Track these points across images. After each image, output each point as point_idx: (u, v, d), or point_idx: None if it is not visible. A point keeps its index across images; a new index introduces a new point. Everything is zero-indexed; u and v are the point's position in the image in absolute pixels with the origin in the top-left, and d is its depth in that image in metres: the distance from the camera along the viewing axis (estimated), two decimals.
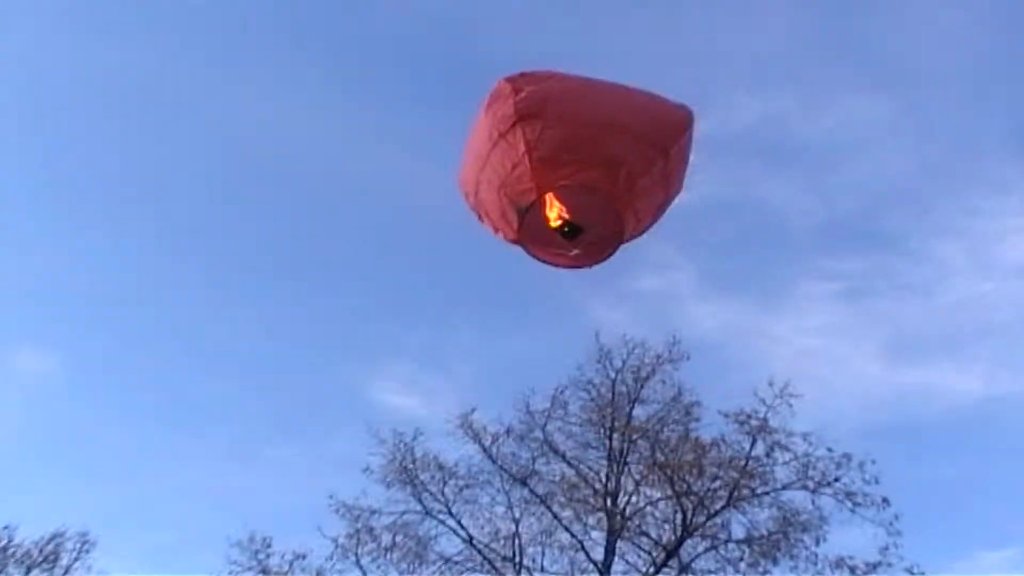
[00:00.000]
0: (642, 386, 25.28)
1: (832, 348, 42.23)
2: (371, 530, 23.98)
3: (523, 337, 43.73)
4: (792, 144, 42.91)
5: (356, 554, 23.66)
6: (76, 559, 28.62)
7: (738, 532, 23.71)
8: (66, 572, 28.37)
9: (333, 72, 43.90)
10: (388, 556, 23.76)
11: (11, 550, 28.08)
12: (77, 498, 40.73)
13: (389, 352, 45.15)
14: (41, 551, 28.29)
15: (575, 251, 6.31)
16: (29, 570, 28.08)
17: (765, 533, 23.54)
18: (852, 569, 22.64)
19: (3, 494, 38.05)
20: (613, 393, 25.29)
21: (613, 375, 25.38)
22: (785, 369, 39.35)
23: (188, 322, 46.35)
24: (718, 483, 23.23)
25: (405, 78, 44.10)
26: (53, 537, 28.56)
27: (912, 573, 22.21)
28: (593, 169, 5.99)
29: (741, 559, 23.59)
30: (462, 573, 24.25)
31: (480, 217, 6.67)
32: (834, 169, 42.70)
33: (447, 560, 24.33)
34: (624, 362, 25.41)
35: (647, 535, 24.17)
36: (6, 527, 28.39)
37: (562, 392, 25.34)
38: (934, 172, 41.33)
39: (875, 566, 22.48)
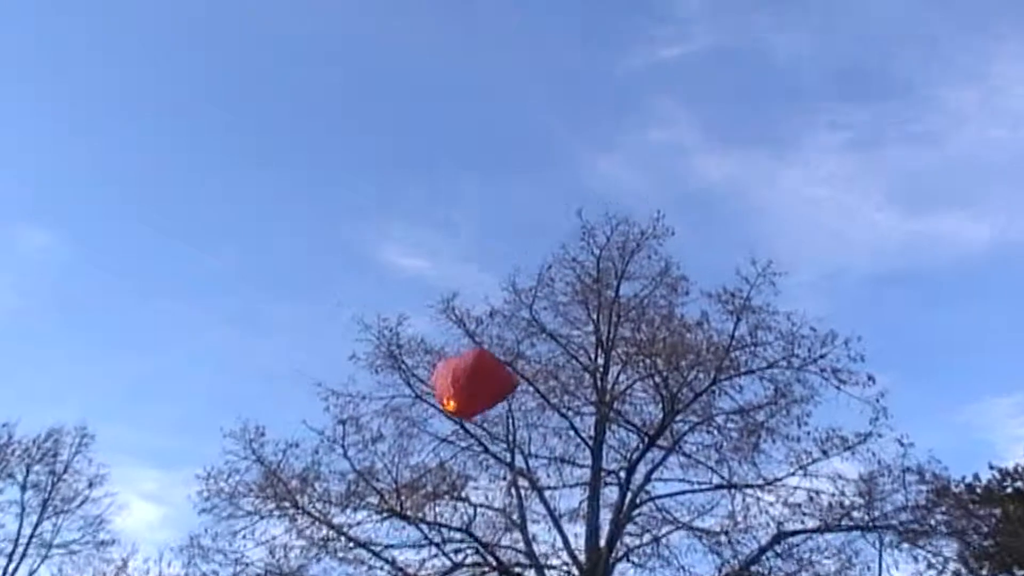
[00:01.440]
0: (627, 262, 25.15)
1: (841, 197, 42.01)
2: (357, 420, 24.20)
3: (527, 191, 43.60)
4: None
5: (343, 445, 23.86)
6: (76, 453, 29.43)
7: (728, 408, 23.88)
8: (66, 467, 29.21)
9: None
10: (373, 447, 24.03)
11: (11, 447, 28.85)
12: (82, 378, 41.75)
13: (393, 211, 45.09)
14: (39, 447, 29.01)
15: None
16: (29, 467, 28.89)
17: (757, 404, 23.64)
18: (843, 440, 22.72)
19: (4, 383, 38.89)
20: (598, 270, 25.16)
21: (597, 252, 25.24)
22: (793, 219, 39.24)
23: (187, 192, 46.51)
24: (703, 363, 23.12)
25: None
26: (51, 434, 29.31)
27: (902, 443, 22.33)
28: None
29: (732, 431, 23.80)
30: (455, 453, 24.63)
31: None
32: (842, 14, 41.42)
33: (442, 440, 24.63)
34: (608, 238, 25.19)
35: (635, 414, 24.38)
36: (4, 424, 29.16)
37: (548, 269, 25.30)
38: (945, 16, 39.89)
39: (866, 436, 22.53)
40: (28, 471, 28.89)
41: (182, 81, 46.56)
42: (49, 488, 28.93)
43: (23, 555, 28.44)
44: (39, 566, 28.87)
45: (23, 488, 28.86)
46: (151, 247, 47.27)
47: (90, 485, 29.30)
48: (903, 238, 40.98)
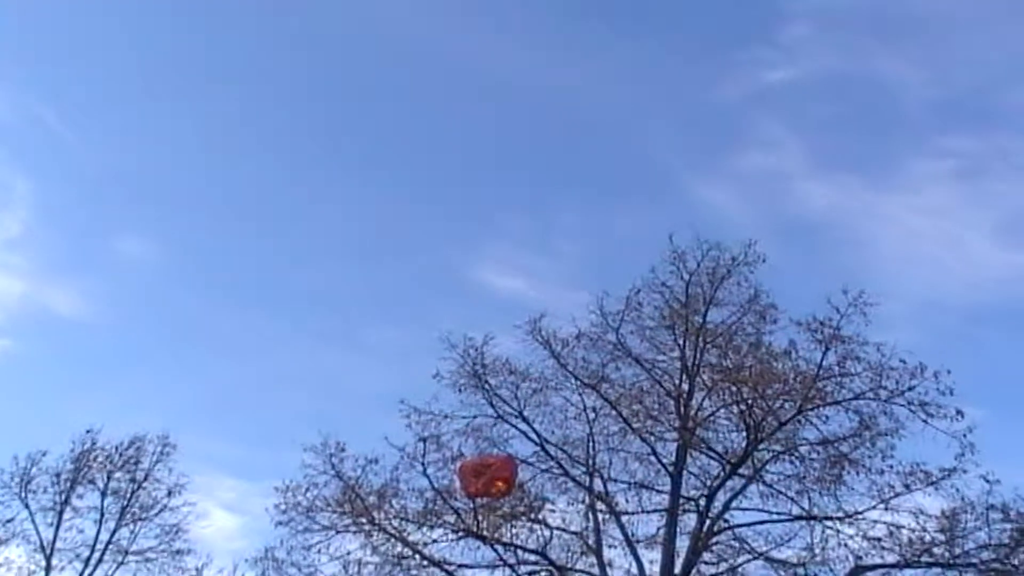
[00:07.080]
0: (717, 288, 25.98)
1: (942, 228, 42.14)
2: (438, 438, 25.04)
3: (628, 217, 44.34)
4: (910, 16, 42.06)
5: (423, 463, 24.56)
6: (157, 461, 30.53)
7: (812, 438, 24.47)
8: (147, 475, 30.29)
9: None
10: (452, 465, 24.69)
11: (94, 454, 29.98)
12: (168, 385, 42.95)
13: (495, 233, 45.99)
14: (122, 455, 30.14)
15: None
16: (111, 474, 30.00)
17: (841, 436, 24.15)
18: (927, 475, 23.21)
19: (96, 387, 40.04)
20: (687, 295, 25.96)
21: (687, 277, 26.06)
22: (892, 248, 39.42)
23: (287, 205, 47.69)
24: (789, 392, 23.68)
25: None
26: (134, 441, 30.46)
27: (988, 480, 22.69)
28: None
29: (815, 462, 24.35)
30: (535, 474, 25.38)
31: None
32: (953, 43, 41.92)
33: (521, 461, 25.27)
34: (699, 263, 26.09)
35: (718, 441, 25.11)
36: (89, 431, 30.38)
37: (636, 293, 26.17)
38: None
39: (951, 472, 22.98)
40: (109, 478, 30.05)
41: (295, 97, 47.87)
42: (129, 495, 30.09)
43: (99, 561, 29.53)
44: (114, 572, 30.00)
45: (103, 494, 30.09)
46: (249, 258, 48.42)
47: (169, 494, 30.44)
48: (1003, 271, 41.13)
